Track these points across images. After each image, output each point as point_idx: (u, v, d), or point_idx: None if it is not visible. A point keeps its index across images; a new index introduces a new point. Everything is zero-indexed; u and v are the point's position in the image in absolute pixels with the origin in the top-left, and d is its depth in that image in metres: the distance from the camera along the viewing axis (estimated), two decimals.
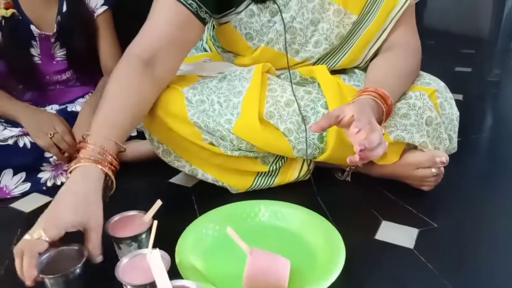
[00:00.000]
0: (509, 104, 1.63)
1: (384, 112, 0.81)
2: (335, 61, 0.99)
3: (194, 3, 0.84)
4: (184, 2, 0.83)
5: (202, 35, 1.02)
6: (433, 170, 0.89)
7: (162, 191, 1.03)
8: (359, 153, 0.70)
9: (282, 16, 0.90)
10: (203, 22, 0.88)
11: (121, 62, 0.82)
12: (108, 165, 0.71)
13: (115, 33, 1.26)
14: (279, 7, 0.90)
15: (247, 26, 0.93)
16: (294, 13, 0.91)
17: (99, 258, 0.67)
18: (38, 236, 0.63)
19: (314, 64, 0.98)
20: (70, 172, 0.70)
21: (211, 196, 0.96)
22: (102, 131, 0.73)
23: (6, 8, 1.10)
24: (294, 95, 0.90)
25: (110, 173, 0.71)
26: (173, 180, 1.06)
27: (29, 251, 0.62)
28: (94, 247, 0.66)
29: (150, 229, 0.69)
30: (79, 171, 0.69)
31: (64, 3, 1.17)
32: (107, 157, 0.71)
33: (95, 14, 1.21)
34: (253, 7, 0.91)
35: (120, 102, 0.77)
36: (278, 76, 0.98)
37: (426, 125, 0.88)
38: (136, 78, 0.80)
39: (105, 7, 1.22)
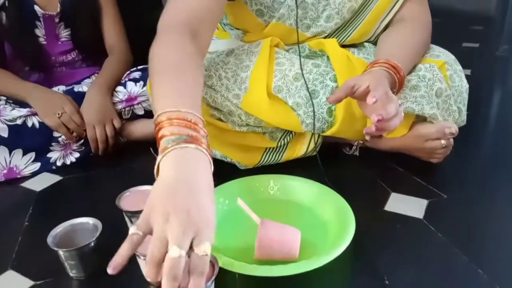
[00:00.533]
0: None
1: (397, 83, 0.81)
2: (346, 35, 0.98)
3: None
4: None
5: None
6: (443, 141, 0.89)
7: None
8: (376, 123, 0.70)
9: None
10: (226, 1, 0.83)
11: (166, 35, 0.71)
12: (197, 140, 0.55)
13: (119, 12, 1.25)
14: None
15: (258, 1, 0.92)
16: None
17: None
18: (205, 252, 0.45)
19: (325, 38, 0.97)
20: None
21: (220, 172, 0.95)
22: (196, 109, 0.58)
23: None
24: (302, 71, 0.89)
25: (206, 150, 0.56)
26: None
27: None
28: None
29: None
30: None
31: None
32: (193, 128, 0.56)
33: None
34: None
35: (183, 76, 0.63)
36: (287, 50, 0.97)
37: (436, 97, 0.88)
38: (188, 51, 0.69)
39: None
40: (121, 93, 1.10)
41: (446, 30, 2.32)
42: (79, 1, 1.17)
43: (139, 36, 1.55)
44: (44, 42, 1.17)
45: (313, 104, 0.87)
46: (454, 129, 0.87)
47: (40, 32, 1.16)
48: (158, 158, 0.52)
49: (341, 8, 0.92)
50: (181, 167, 0.51)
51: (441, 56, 0.94)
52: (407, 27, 0.94)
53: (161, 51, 0.68)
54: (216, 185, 0.82)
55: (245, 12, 0.94)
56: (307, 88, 0.88)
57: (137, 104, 1.10)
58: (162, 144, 0.53)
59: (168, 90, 0.60)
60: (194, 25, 0.73)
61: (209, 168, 0.54)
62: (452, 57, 0.96)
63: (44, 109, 1.02)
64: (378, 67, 0.81)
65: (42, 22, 1.15)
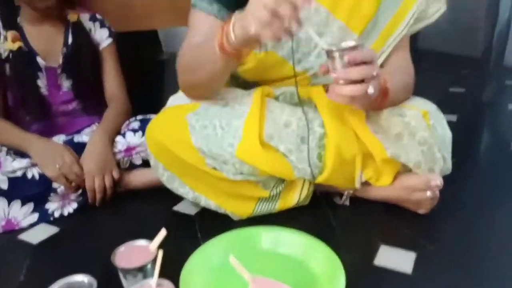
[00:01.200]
0: (503, 123, 1.66)
1: (381, 90, 0.84)
2: None
3: (225, 14, 0.93)
4: (216, 15, 0.93)
5: None
6: (428, 193, 0.92)
7: (166, 219, 1.05)
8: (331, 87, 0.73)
9: None
10: None
11: (182, 57, 0.92)
12: None
13: (119, 64, 1.31)
14: None
15: None
16: None
17: None
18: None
19: (313, 75, 1.02)
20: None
21: (214, 223, 0.98)
22: None
23: (13, 41, 1.15)
24: (299, 99, 0.94)
25: None
26: (177, 208, 1.08)
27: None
28: None
29: (155, 259, 0.72)
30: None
31: (70, 35, 1.22)
32: None
33: (101, 47, 1.27)
34: None
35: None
36: (277, 97, 1.02)
37: (419, 145, 0.92)
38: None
39: (110, 40, 1.28)
40: (120, 143, 1.13)
41: (434, 74, 2.41)
42: (81, 54, 1.23)
43: (139, 85, 1.61)
44: (46, 93, 1.22)
45: (308, 148, 0.91)
46: (439, 181, 0.91)
47: (42, 82, 1.21)
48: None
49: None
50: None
51: (424, 105, 0.99)
52: (394, 71, 1.00)
53: (185, 53, 0.91)
54: (211, 237, 0.85)
55: None
56: (305, 115, 0.93)
57: (136, 154, 1.14)
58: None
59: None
60: None
61: None
62: (434, 106, 1.01)
63: (44, 160, 1.05)
64: None
65: (44, 73, 1.20)
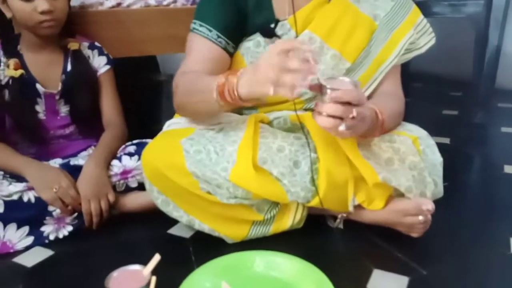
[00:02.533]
0: (495, 146, 1.68)
1: (377, 122, 0.87)
2: None
3: (222, 40, 0.99)
4: (215, 41, 0.99)
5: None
6: (420, 217, 0.93)
7: (161, 242, 1.05)
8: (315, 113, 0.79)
9: None
10: (230, 56, 1.03)
11: (178, 81, 0.97)
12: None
13: (117, 89, 1.33)
14: None
15: (253, 55, 1.03)
16: None
17: None
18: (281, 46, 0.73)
19: (307, 100, 1.05)
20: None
21: (208, 246, 0.99)
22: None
23: (16, 69, 1.17)
24: (298, 116, 0.98)
25: None
26: (171, 231, 1.09)
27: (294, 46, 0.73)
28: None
29: (148, 284, 0.72)
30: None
31: (69, 63, 1.24)
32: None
33: (98, 73, 1.29)
34: (261, 39, 1.02)
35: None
36: (271, 122, 1.04)
37: (410, 170, 0.93)
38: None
39: (108, 67, 1.31)
40: (116, 166, 1.14)
41: (427, 97, 2.45)
42: (80, 80, 1.25)
43: (135, 106, 1.63)
44: (44, 117, 1.23)
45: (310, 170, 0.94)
46: (431, 205, 0.92)
47: (40, 108, 1.22)
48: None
49: (324, 75, 1.01)
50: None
51: (414, 131, 1.02)
52: (385, 98, 1.04)
53: (180, 83, 0.95)
54: (205, 260, 0.86)
55: (240, 65, 1.04)
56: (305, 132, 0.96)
57: (131, 177, 1.15)
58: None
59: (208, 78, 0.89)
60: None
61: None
62: (424, 132, 1.03)
63: (40, 184, 1.05)
64: None
65: (43, 99, 1.22)
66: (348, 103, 0.78)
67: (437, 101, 2.30)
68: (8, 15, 1.14)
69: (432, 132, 1.03)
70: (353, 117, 0.78)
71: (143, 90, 2.10)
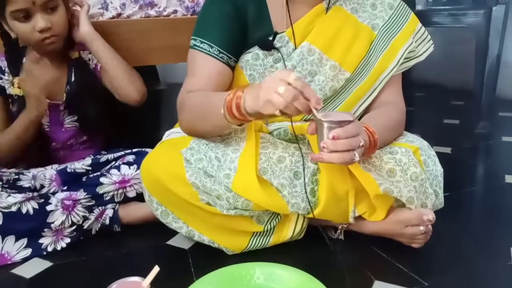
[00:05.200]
0: (497, 156, 1.67)
1: (368, 141, 0.86)
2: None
3: (224, 55, 1.00)
4: (216, 57, 0.99)
5: None
6: (421, 228, 0.92)
7: (160, 253, 1.05)
8: (321, 151, 0.79)
9: (284, 64, 1.01)
10: (232, 69, 1.04)
11: (184, 102, 0.98)
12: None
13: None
14: (282, 56, 1.01)
15: (252, 67, 1.03)
16: (295, 62, 1.02)
17: None
18: (293, 77, 0.75)
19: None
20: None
21: (208, 257, 0.98)
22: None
23: (20, 87, 1.18)
24: (294, 133, 0.99)
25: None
26: (171, 242, 1.08)
27: (302, 85, 0.75)
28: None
29: None
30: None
31: (73, 73, 1.25)
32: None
33: (99, 65, 1.28)
34: (259, 52, 1.03)
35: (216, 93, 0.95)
36: (270, 133, 1.04)
37: (411, 181, 0.93)
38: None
39: None
40: (114, 175, 1.14)
41: (428, 106, 2.45)
42: (84, 90, 1.24)
43: (135, 115, 1.63)
44: (48, 129, 1.24)
45: (304, 181, 0.94)
46: (432, 216, 0.92)
47: (44, 120, 1.22)
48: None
49: (324, 85, 1.02)
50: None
51: (415, 142, 1.01)
52: (385, 109, 1.04)
53: (186, 105, 0.96)
54: (204, 271, 0.85)
55: (239, 77, 1.05)
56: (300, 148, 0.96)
57: (130, 186, 1.14)
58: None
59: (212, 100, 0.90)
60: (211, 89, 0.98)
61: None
62: (425, 143, 1.03)
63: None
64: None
65: (47, 111, 1.21)
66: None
67: (439, 110, 2.30)
68: (13, 35, 1.15)
69: (434, 142, 1.03)
70: (362, 145, 0.80)
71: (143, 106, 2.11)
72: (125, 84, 1.24)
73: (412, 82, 2.65)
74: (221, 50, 1.00)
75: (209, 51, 0.99)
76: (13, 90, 1.18)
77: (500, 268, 0.92)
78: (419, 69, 2.94)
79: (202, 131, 0.97)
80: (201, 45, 1.00)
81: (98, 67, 1.28)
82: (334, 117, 0.80)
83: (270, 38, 1.02)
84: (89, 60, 1.29)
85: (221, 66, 1.01)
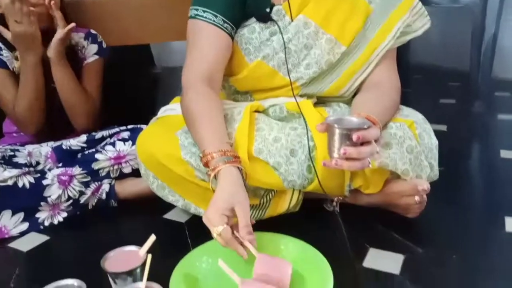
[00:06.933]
0: (492, 133, 1.68)
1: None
2: (322, 86, 1.05)
3: (228, 25, 0.98)
4: (221, 27, 0.97)
5: None
6: (416, 198, 0.93)
7: (157, 227, 1.05)
8: (338, 159, 0.79)
9: (282, 36, 0.99)
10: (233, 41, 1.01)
11: (192, 91, 0.93)
12: (235, 159, 0.83)
13: (100, 82, 1.33)
14: (279, 28, 0.99)
15: (248, 41, 1.01)
16: (291, 35, 1.00)
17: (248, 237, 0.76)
18: (217, 232, 0.76)
19: (303, 85, 1.04)
20: (215, 177, 0.81)
21: (204, 230, 0.97)
22: (215, 142, 0.84)
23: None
24: (295, 98, 0.99)
25: (240, 166, 0.83)
26: (167, 216, 1.08)
27: (226, 240, 0.76)
28: (244, 225, 0.77)
29: (144, 263, 0.72)
30: (222, 174, 0.80)
31: None
32: (231, 153, 0.83)
33: (85, 62, 1.29)
34: (256, 25, 1.01)
35: (215, 119, 0.90)
36: (266, 109, 1.04)
37: (407, 153, 0.93)
38: (213, 98, 0.93)
39: (96, 57, 1.31)
40: (110, 151, 1.14)
41: (425, 86, 2.45)
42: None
43: (130, 97, 1.63)
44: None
45: (311, 157, 0.94)
46: (426, 186, 0.92)
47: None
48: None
49: (320, 59, 1.01)
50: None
51: (410, 116, 1.01)
52: (380, 89, 1.03)
53: (192, 104, 0.91)
54: (201, 243, 0.86)
55: (235, 50, 1.02)
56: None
57: (125, 162, 1.14)
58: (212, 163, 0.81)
59: (207, 132, 0.86)
60: (211, 75, 0.95)
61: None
62: (421, 116, 1.03)
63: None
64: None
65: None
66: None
67: (435, 91, 2.30)
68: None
69: (429, 120, 1.03)
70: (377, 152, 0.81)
71: (139, 83, 2.11)
72: (71, 113, 1.26)
73: (408, 65, 2.65)
74: (226, 20, 0.97)
75: (214, 20, 0.96)
76: (16, 64, 1.18)
77: (494, 236, 0.93)
78: (416, 51, 2.94)
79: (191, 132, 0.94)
80: (204, 14, 0.97)
81: (88, 60, 1.29)
82: (347, 124, 0.80)
83: (267, 10, 1.01)
84: (83, 47, 1.29)
85: (226, 38, 0.98)
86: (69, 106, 1.24)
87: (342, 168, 0.80)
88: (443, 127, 1.65)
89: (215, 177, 0.81)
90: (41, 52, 1.15)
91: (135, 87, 1.92)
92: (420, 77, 2.59)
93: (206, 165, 0.83)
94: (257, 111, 1.02)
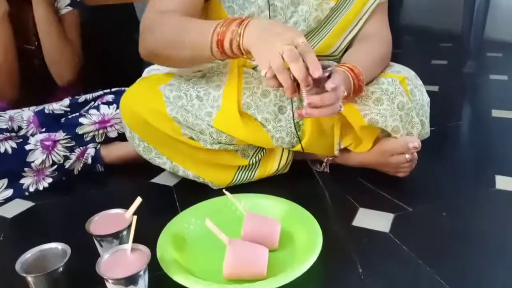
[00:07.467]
0: (483, 94, 1.67)
1: (351, 89, 0.85)
2: (312, 45, 1.01)
3: None
4: None
5: None
6: (407, 156, 0.92)
7: (145, 191, 1.03)
8: (308, 107, 0.75)
9: None
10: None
11: (164, 15, 0.86)
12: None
13: (78, 34, 1.29)
14: None
15: None
16: None
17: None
18: (302, 40, 0.70)
19: None
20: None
21: (193, 193, 0.97)
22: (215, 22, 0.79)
23: None
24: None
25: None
26: (155, 180, 1.07)
27: (306, 51, 0.69)
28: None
29: (130, 226, 0.71)
30: (255, 21, 0.75)
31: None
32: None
33: (59, 13, 1.24)
34: None
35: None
36: (254, 68, 1.00)
37: (398, 110, 0.92)
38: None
39: (69, 8, 1.26)
40: (94, 115, 1.10)
41: (417, 47, 2.41)
42: None
43: (114, 60, 1.57)
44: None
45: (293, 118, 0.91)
46: (417, 143, 0.91)
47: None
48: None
49: (308, 16, 0.97)
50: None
51: (402, 72, 0.99)
52: (371, 42, 1.00)
53: (171, 18, 0.85)
54: (188, 206, 0.84)
55: (217, 10, 0.98)
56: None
57: (110, 126, 1.11)
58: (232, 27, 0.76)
59: (202, 22, 0.82)
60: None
61: None
62: (412, 72, 1.01)
63: None
64: (340, 68, 0.86)
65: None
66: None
67: (427, 52, 2.27)
68: None
69: (421, 80, 1.01)
70: (345, 95, 0.80)
71: (124, 45, 2.04)
72: (57, 65, 1.22)
73: (400, 25, 2.60)
74: None
75: None
76: None
77: (484, 193, 0.93)
78: (408, 12, 2.88)
79: (174, 60, 0.87)
80: None
81: (61, 12, 1.25)
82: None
83: None
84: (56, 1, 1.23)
85: None
86: (54, 56, 1.19)
87: (313, 116, 0.77)
88: (435, 88, 1.63)
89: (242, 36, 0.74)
90: (4, 7, 1.09)
91: (120, 49, 1.86)
92: (412, 38, 2.56)
93: (221, 41, 0.76)
94: (244, 66, 0.99)
